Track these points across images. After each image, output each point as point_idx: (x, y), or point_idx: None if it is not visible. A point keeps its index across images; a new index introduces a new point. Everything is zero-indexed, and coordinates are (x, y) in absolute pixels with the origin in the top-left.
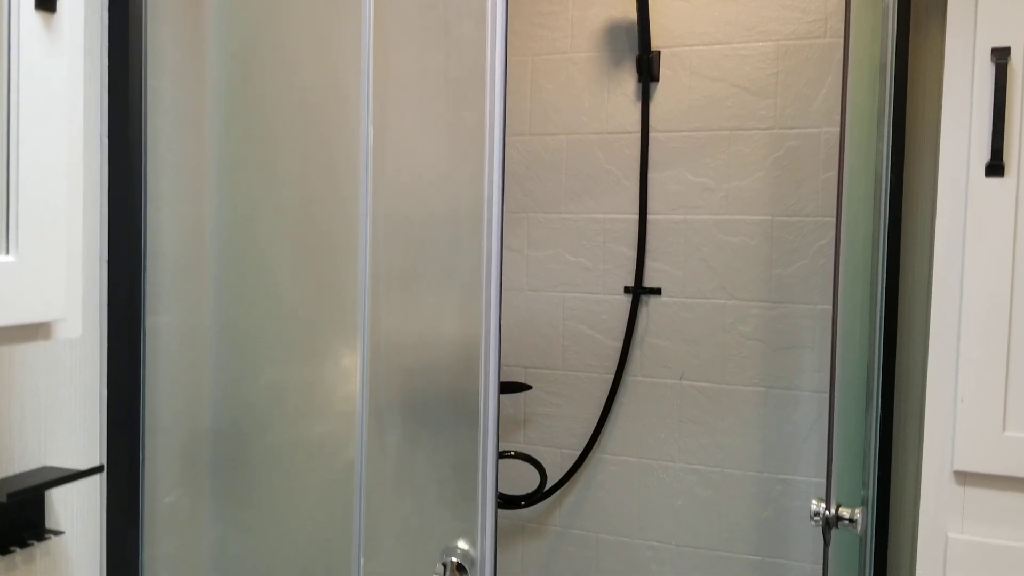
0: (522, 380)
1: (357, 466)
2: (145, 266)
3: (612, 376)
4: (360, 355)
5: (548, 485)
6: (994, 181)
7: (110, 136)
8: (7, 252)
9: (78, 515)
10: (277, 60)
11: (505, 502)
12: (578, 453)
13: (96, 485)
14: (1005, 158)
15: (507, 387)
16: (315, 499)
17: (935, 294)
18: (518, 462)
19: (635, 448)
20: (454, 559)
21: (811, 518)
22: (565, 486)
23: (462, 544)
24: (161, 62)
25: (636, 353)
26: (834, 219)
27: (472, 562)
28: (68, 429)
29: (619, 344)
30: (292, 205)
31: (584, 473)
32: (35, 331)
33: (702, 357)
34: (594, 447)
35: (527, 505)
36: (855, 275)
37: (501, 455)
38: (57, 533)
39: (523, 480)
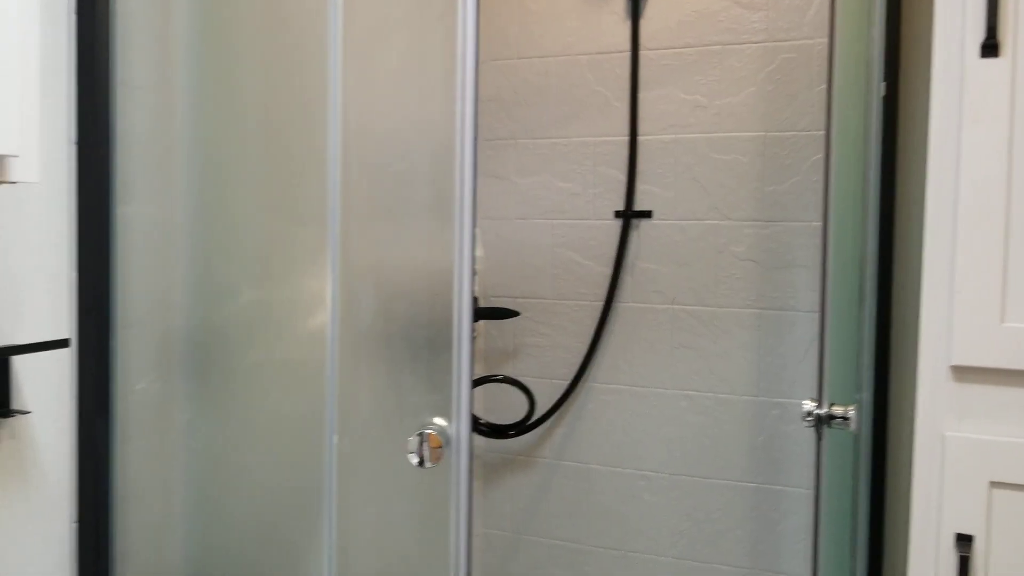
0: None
1: (329, 350)
2: (115, 151)
3: (602, 303)
4: (330, 262)
5: (538, 416)
6: (990, 62)
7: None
8: None
9: (46, 396)
10: None
11: (493, 432)
12: (568, 382)
13: (66, 369)
14: (1000, 37)
15: (493, 313)
16: (287, 383)
17: (930, 183)
18: (506, 392)
19: (626, 376)
20: (429, 431)
21: (803, 419)
22: (555, 416)
23: (438, 420)
24: None
25: (627, 279)
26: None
27: (447, 439)
28: (35, 310)
29: (609, 270)
30: (261, 115)
31: (575, 403)
32: None
33: (694, 280)
34: (584, 376)
35: (516, 434)
36: (848, 179)
37: (489, 379)
38: (24, 412)
39: (511, 410)
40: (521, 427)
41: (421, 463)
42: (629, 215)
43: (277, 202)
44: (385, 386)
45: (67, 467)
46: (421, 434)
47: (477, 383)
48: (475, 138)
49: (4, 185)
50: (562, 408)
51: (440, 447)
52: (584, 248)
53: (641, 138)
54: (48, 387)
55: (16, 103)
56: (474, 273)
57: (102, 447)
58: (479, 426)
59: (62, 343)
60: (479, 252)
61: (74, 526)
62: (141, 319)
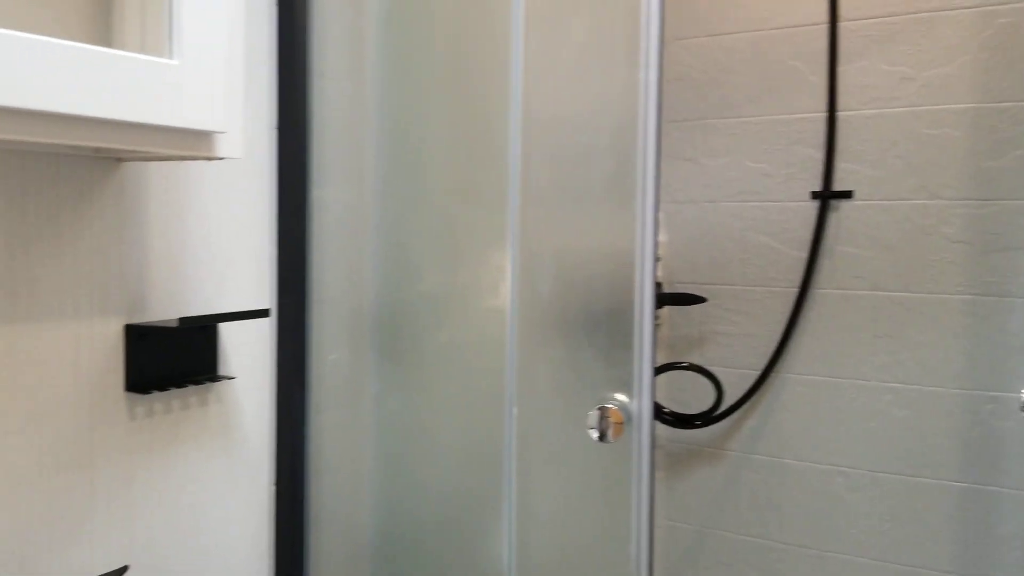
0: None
1: (509, 327)
2: (311, 137)
3: (797, 289)
4: (510, 243)
5: (726, 406)
6: None
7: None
8: (171, 56)
9: (248, 364)
10: None
11: (678, 421)
12: (758, 372)
13: (266, 339)
14: None
15: (678, 299)
16: (468, 358)
17: None
18: (692, 381)
19: (823, 366)
20: (610, 405)
21: (1022, 411)
22: (745, 407)
23: (619, 396)
24: None
25: (824, 263)
26: None
27: (628, 415)
28: (238, 284)
29: (804, 254)
30: (445, 99)
31: (766, 394)
32: (197, 142)
33: (899, 264)
34: (777, 366)
35: (702, 425)
36: None
37: (674, 367)
38: (229, 378)
39: (697, 400)
40: (708, 417)
41: (601, 437)
42: (827, 196)
43: (459, 185)
44: (564, 361)
45: (267, 433)
46: (602, 408)
47: (661, 370)
48: (659, 118)
49: (213, 162)
50: (752, 399)
51: (621, 423)
52: (777, 231)
53: (840, 114)
54: (250, 356)
55: (223, 83)
56: (657, 258)
57: (298, 414)
58: (663, 414)
59: (263, 312)
60: (663, 237)
61: (272, 489)
62: (333, 296)
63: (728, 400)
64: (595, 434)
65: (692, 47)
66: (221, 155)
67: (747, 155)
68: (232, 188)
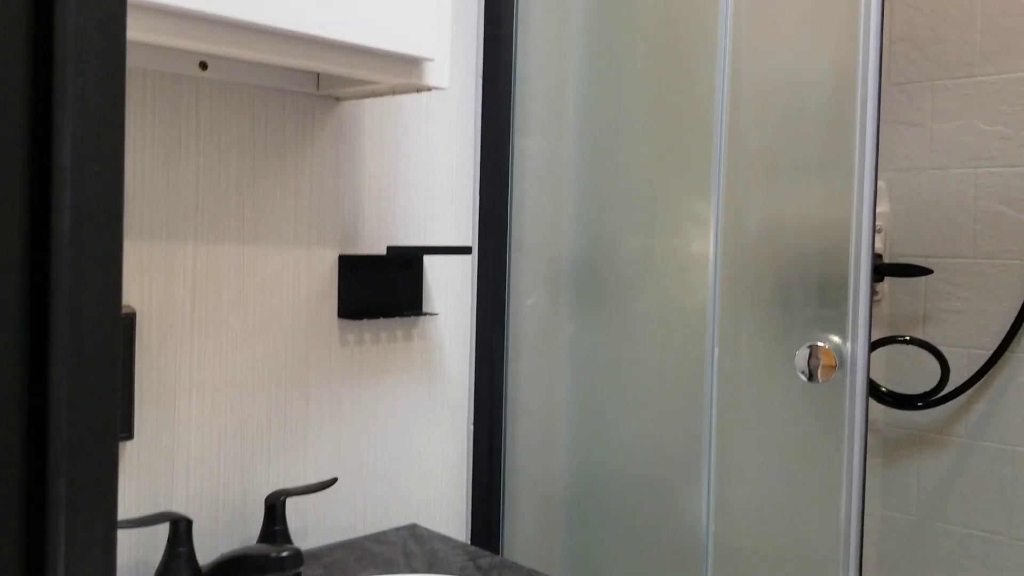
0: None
1: (712, 272)
2: (515, 87)
3: None
4: (714, 198)
5: (951, 387)
6: None
7: None
8: None
9: (450, 302)
10: None
11: (896, 401)
12: (989, 352)
13: (467, 280)
14: None
15: (899, 270)
16: (668, 308)
17: None
18: (912, 360)
19: None
20: (822, 343)
21: None
22: (973, 390)
23: (832, 337)
24: None
25: None
26: None
27: (841, 358)
28: (443, 223)
29: None
30: (649, 57)
31: (999, 376)
32: (408, 70)
33: None
34: (1012, 346)
35: (924, 406)
36: None
37: (893, 340)
38: (432, 314)
39: (918, 381)
40: (930, 399)
41: (810, 378)
42: None
43: (662, 142)
44: (772, 301)
45: (466, 372)
46: (812, 346)
47: (879, 344)
48: (879, 80)
49: (422, 101)
50: (982, 381)
51: (833, 365)
52: (1016, 200)
53: None
54: (451, 295)
55: (433, 12)
56: (877, 229)
57: (497, 356)
58: (880, 393)
59: (466, 249)
60: (884, 207)
61: (470, 428)
62: (531, 242)
63: (954, 381)
64: (803, 375)
65: (919, 3)
66: (430, 84)
67: (981, 117)
68: (439, 129)
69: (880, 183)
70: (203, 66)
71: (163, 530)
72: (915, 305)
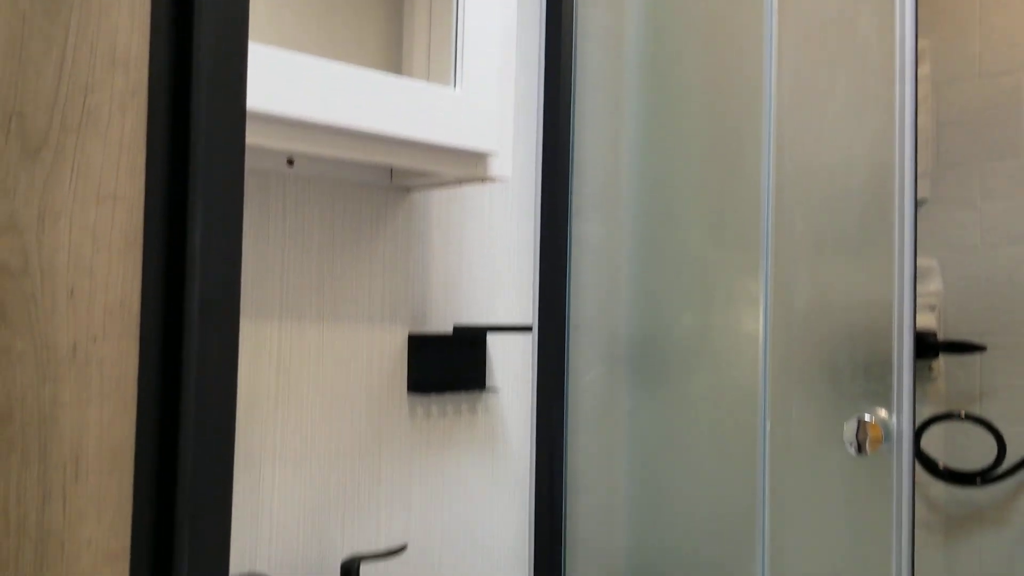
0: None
1: (761, 351)
2: (572, 172)
3: None
4: (763, 287)
5: (1010, 464)
6: None
7: (547, 50)
8: (453, 84)
9: (512, 378)
10: (685, 14)
11: (954, 478)
12: None
13: (528, 358)
14: None
15: (953, 347)
16: (720, 377)
17: None
18: (970, 438)
19: None
20: (869, 418)
21: None
22: None
23: (879, 412)
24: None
25: None
26: None
27: (888, 432)
28: (504, 303)
29: None
30: (698, 141)
31: None
32: (474, 163)
33: None
34: None
35: (983, 482)
36: None
37: (949, 416)
38: (495, 390)
39: (977, 458)
40: (989, 475)
41: (859, 450)
42: None
43: (712, 226)
44: (820, 377)
45: (527, 446)
46: (859, 420)
47: (934, 420)
48: (915, 162)
49: (485, 192)
50: None
51: (879, 438)
52: None
53: None
54: (513, 371)
55: (497, 110)
56: (932, 307)
57: (557, 430)
58: (937, 470)
59: (527, 328)
60: (937, 286)
61: (532, 501)
62: (589, 320)
63: (1013, 457)
64: (852, 447)
65: (966, 89)
66: (494, 175)
67: None
68: (502, 215)
69: (932, 262)
70: (290, 163)
71: None
72: (971, 382)
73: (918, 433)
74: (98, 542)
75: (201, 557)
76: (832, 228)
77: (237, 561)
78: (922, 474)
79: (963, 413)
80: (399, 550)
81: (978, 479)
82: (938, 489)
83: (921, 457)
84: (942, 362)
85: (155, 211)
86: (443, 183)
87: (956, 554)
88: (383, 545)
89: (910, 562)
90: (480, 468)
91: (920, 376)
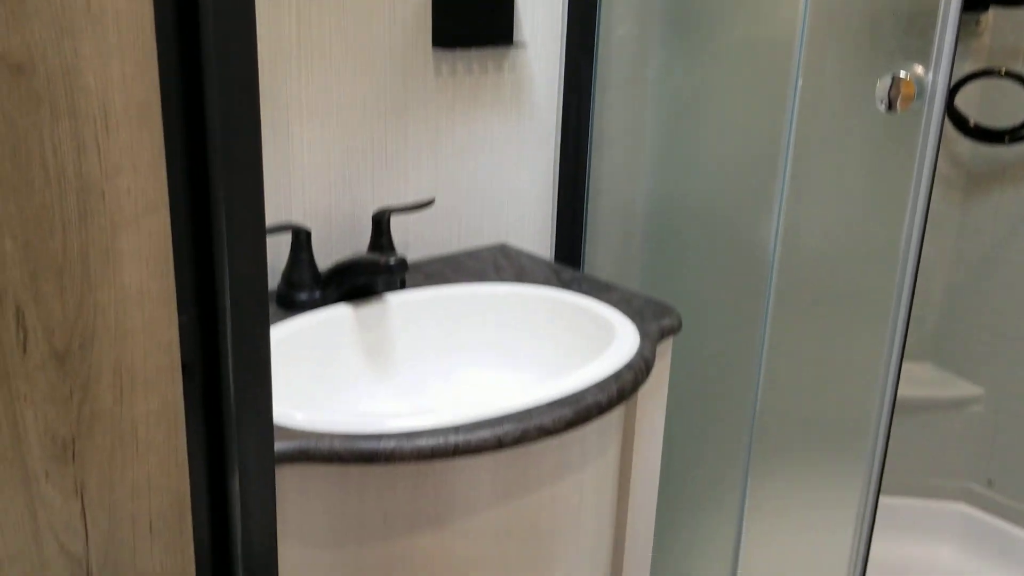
0: None
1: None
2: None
3: None
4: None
5: None
6: None
7: None
8: None
9: (540, 33)
10: None
11: (982, 135)
12: None
13: (558, 10)
14: None
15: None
16: (757, 31)
17: None
18: (1008, 94)
19: None
20: (905, 74)
21: None
22: None
23: (916, 68)
24: None
25: None
26: None
27: (922, 88)
28: None
29: None
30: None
31: None
32: None
33: None
34: None
35: (1011, 140)
36: None
37: (987, 73)
38: (522, 45)
39: (1007, 113)
40: (1018, 132)
41: (889, 107)
42: None
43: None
44: (860, 30)
45: (554, 104)
46: (893, 76)
47: (971, 77)
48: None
49: None
50: None
51: (912, 96)
52: None
53: None
54: (542, 25)
55: None
56: None
57: (585, 87)
58: (967, 127)
59: None
60: None
61: (557, 155)
62: None
63: None
64: (882, 104)
65: None
66: None
67: None
68: None
69: None
70: None
71: (285, 240)
72: (1019, 38)
73: (953, 90)
74: (136, 192)
75: (236, 212)
76: None
77: (272, 213)
78: (949, 130)
79: (1003, 70)
80: (427, 203)
81: (1007, 137)
82: (964, 145)
83: (952, 114)
84: (991, 15)
85: None
86: None
87: (972, 211)
88: (410, 199)
89: (923, 217)
90: (507, 126)
91: (965, 31)
